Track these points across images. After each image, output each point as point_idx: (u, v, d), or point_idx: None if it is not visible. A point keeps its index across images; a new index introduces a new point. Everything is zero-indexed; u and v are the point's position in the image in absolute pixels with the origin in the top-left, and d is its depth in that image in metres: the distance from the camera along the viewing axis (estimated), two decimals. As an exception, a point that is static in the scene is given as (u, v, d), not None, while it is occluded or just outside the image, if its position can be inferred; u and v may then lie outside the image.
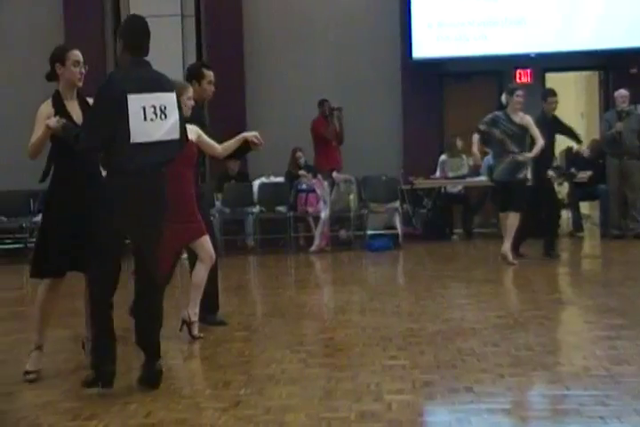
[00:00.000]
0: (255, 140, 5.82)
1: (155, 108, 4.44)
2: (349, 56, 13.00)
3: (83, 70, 4.83)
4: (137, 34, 4.62)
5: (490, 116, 9.31)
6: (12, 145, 13.07)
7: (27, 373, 4.80)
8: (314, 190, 11.61)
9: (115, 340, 4.50)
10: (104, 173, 4.73)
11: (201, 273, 5.85)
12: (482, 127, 9.27)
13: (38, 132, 4.71)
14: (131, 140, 4.38)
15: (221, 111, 11.77)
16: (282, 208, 11.75)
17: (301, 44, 13.12)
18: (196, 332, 5.82)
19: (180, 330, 5.82)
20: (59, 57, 4.80)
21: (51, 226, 4.78)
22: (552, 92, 9.80)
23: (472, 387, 4.30)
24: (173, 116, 4.55)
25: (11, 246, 12.08)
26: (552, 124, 9.60)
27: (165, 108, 4.49)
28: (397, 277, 9.70)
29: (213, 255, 5.87)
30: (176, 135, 4.59)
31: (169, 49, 12.79)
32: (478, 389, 4.26)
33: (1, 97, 13.05)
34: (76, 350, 5.36)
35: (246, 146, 5.90)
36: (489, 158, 12.30)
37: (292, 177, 11.93)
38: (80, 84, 4.85)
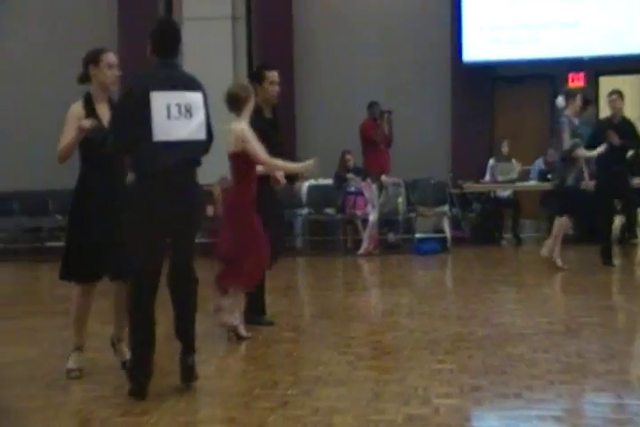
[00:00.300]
0: (305, 173, 5.96)
1: (179, 106, 4.34)
2: (400, 59, 12.98)
3: (117, 73, 4.81)
4: (165, 36, 4.53)
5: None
6: (32, 145, 13.44)
7: (69, 371, 4.86)
8: (362, 193, 11.60)
9: (153, 349, 4.41)
10: (130, 176, 4.63)
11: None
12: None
13: (68, 133, 4.69)
14: (153, 139, 4.27)
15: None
16: (330, 210, 11.77)
17: (352, 46, 13.14)
18: (243, 333, 5.86)
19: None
20: (93, 59, 4.79)
21: (78, 231, 4.75)
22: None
23: (521, 393, 4.25)
24: (199, 115, 4.44)
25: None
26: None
27: (191, 107, 4.39)
28: (446, 280, 9.65)
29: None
30: (202, 136, 4.48)
31: (220, 51, 12.91)
32: (528, 395, 4.22)
33: (53, 103, 13.28)
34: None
35: (295, 176, 5.96)
36: (539, 163, 12.22)
37: (340, 180, 11.93)
38: (113, 87, 4.82)
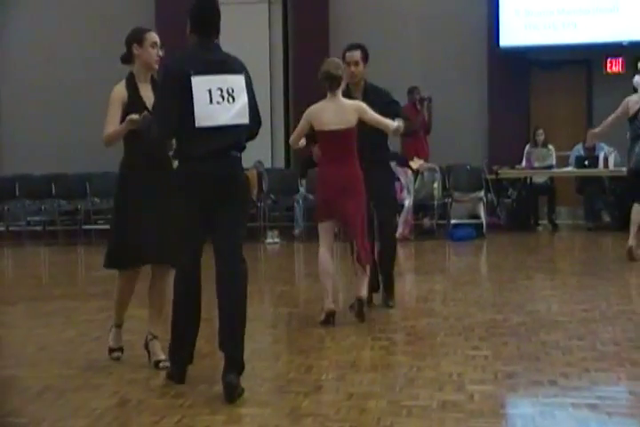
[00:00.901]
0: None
1: (221, 90, 4.18)
2: (436, 44, 12.90)
3: (160, 53, 4.74)
4: (204, 15, 4.33)
5: None
6: (70, 129, 13.58)
7: (111, 351, 4.90)
8: (398, 178, 11.55)
9: (194, 334, 4.37)
10: (175, 163, 4.56)
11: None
12: None
13: (114, 117, 4.64)
14: (196, 125, 4.15)
15: (309, 98, 11.80)
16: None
17: (389, 31, 13.05)
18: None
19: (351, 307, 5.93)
20: (136, 38, 4.73)
21: (123, 218, 4.71)
22: None
23: (556, 380, 4.23)
24: (242, 99, 4.26)
25: (102, 227, 12.40)
26: None
27: (233, 90, 4.21)
28: (480, 267, 9.61)
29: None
30: (245, 120, 4.28)
31: (256, 35, 12.90)
32: (563, 382, 4.20)
33: (93, 87, 13.39)
34: (164, 328, 5.48)
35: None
36: (578, 149, 12.09)
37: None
38: (156, 66, 4.75)
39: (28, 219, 12.66)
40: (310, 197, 11.80)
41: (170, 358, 4.44)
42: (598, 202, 12.19)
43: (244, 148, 4.38)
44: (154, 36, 4.76)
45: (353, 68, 6.26)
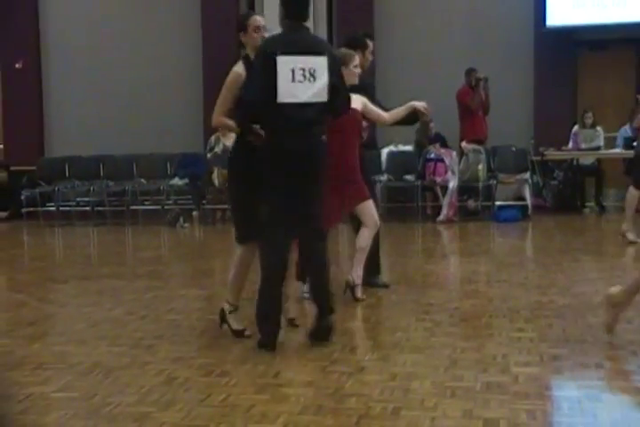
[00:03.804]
0: (423, 110, 5.85)
1: (304, 70, 4.56)
2: (483, 24, 12.74)
3: (265, 34, 4.87)
4: (296, 2, 4.73)
5: None
6: (117, 112, 13.71)
7: (237, 332, 4.93)
8: (442, 160, 11.51)
9: (280, 301, 4.69)
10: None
11: (365, 237, 5.94)
12: None
13: (227, 98, 4.78)
14: (278, 100, 4.50)
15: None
16: (410, 177, 11.71)
17: (434, 12, 12.95)
18: (359, 294, 5.92)
19: (344, 293, 5.92)
20: (240, 26, 4.91)
21: (242, 195, 4.82)
22: None
23: (602, 363, 4.20)
24: (322, 79, 4.62)
25: (149, 208, 12.55)
26: None
27: (315, 71, 4.59)
28: (525, 248, 9.54)
29: (377, 221, 5.98)
30: (324, 98, 4.64)
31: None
32: (609, 365, 4.17)
33: (141, 68, 13.48)
34: (209, 309, 5.55)
35: (414, 115, 5.93)
36: (626, 129, 11.90)
37: (421, 147, 11.84)
38: None
39: (78, 199, 12.85)
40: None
41: (258, 327, 4.65)
42: (647, 183, 11.98)
43: (321, 122, 4.73)
44: (256, 20, 4.90)
45: (372, 57, 6.38)
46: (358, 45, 6.24)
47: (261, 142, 4.64)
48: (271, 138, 4.62)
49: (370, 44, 6.38)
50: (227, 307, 4.98)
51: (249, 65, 4.80)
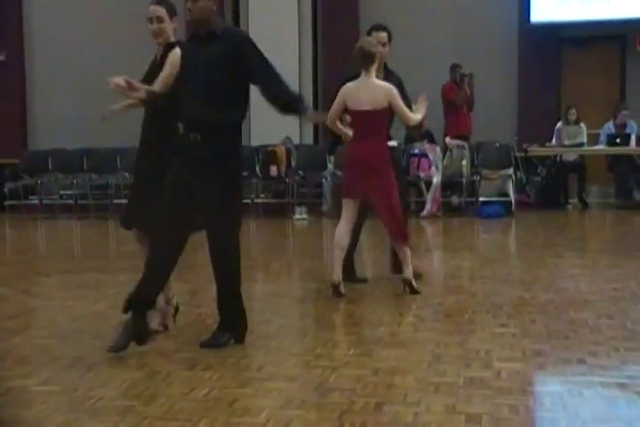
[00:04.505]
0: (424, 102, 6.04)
1: None
2: (466, 20, 12.75)
3: (157, 27, 4.82)
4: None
5: None
6: (101, 104, 13.48)
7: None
8: (426, 155, 11.52)
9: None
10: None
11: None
12: None
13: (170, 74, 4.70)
14: None
15: (337, 75, 11.73)
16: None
17: (418, 8, 12.95)
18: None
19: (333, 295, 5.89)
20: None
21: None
22: None
23: (585, 359, 4.22)
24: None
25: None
26: None
27: None
28: (509, 244, 9.58)
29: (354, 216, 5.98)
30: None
31: (285, 21, 12.74)
32: (591, 361, 4.19)
33: (125, 60, 13.42)
34: (192, 303, 5.54)
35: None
36: (609, 126, 11.96)
37: (412, 141, 11.80)
38: (157, 40, 4.85)
39: (61, 192, 12.80)
40: (339, 173, 11.79)
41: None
42: (629, 180, 12.08)
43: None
44: (150, 10, 4.86)
45: (380, 49, 6.19)
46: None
47: None
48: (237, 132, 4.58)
49: (375, 35, 6.34)
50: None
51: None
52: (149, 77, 4.77)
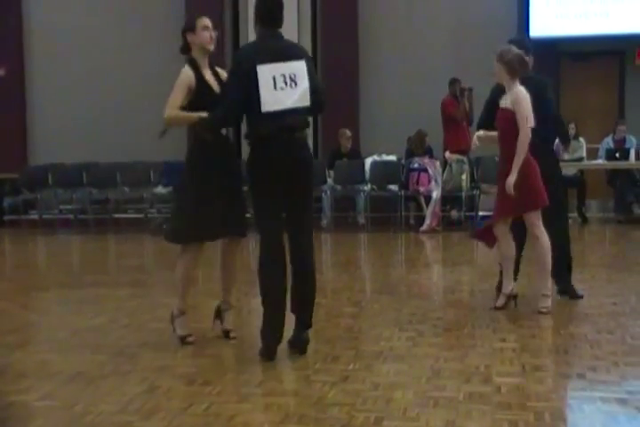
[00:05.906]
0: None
1: (284, 76, 4.54)
2: (465, 34, 12.81)
3: (212, 34, 4.95)
4: (268, 6, 4.69)
5: None
6: (101, 119, 13.64)
7: (182, 338, 4.98)
8: (426, 170, 11.54)
9: (284, 310, 4.64)
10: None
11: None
12: None
13: (177, 98, 4.82)
14: (262, 110, 4.50)
15: (337, 84, 11.78)
16: (393, 187, 11.74)
17: (418, 24, 13.00)
18: (545, 305, 5.82)
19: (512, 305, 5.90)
20: (188, 26, 4.98)
21: (197, 194, 4.86)
22: None
23: (585, 374, 4.22)
24: (303, 83, 4.60)
25: (132, 216, 12.50)
26: None
27: (295, 76, 4.57)
28: (508, 259, 9.54)
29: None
30: (306, 103, 4.62)
31: (284, 23, 12.81)
32: (591, 376, 4.18)
33: (125, 75, 13.46)
34: (192, 317, 5.52)
35: None
36: (609, 141, 11.99)
37: (413, 155, 11.83)
38: (211, 47, 4.97)
39: (60, 207, 12.81)
40: (338, 187, 11.81)
41: (261, 335, 4.61)
42: (629, 194, 12.10)
43: (305, 126, 4.70)
44: (204, 20, 4.98)
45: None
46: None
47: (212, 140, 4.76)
48: (256, 146, 4.60)
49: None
50: (175, 312, 5.04)
51: (196, 68, 4.91)
52: (205, 91, 4.91)
